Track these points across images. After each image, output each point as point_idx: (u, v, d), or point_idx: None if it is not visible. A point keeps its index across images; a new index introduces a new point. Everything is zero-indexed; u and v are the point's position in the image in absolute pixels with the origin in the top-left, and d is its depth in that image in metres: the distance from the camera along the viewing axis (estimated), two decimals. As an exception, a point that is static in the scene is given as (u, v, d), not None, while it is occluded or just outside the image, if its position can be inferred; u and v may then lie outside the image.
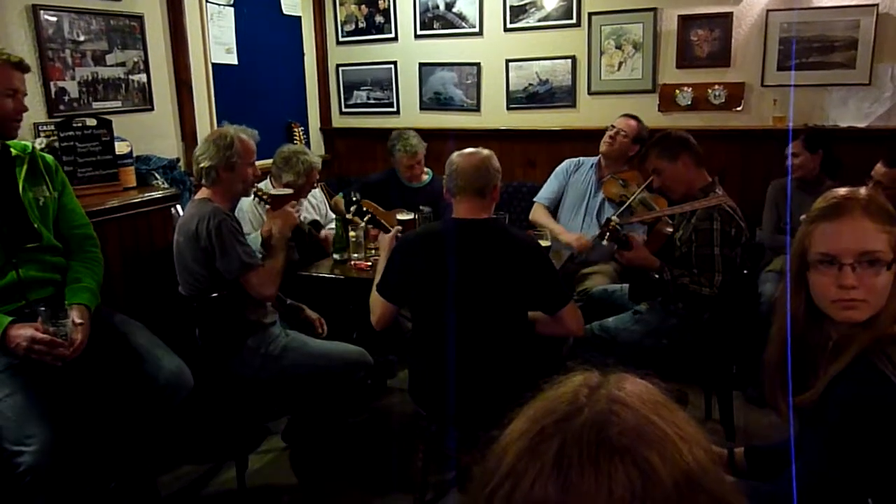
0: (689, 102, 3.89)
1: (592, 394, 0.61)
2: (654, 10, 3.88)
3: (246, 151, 2.49)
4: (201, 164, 2.46)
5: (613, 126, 3.53)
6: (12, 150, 2.18)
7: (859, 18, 3.51)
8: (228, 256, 2.37)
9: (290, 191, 2.74)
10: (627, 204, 3.24)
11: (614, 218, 2.65)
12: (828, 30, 3.58)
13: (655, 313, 2.67)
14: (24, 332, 1.96)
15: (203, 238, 2.36)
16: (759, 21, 3.70)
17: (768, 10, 3.66)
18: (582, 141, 3.94)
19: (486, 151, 2.21)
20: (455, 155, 2.21)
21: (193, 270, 2.43)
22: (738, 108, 3.82)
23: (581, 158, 3.68)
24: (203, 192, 2.51)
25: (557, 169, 3.70)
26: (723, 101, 3.82)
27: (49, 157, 2.31)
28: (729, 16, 3.74)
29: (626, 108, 3.97)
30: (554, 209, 3.62)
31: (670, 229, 2.72)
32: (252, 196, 2.66)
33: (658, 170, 2.66)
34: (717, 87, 3.82)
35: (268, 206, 2.63)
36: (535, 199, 3.67)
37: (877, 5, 3.47)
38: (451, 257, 2.08)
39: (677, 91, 3.90)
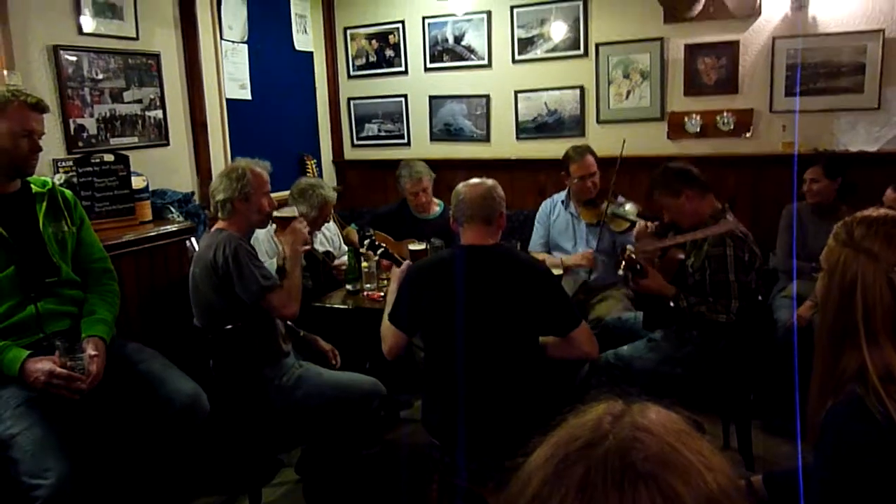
0: (698, 130, 3.91)
1: (616, 421, 0.62)
2: (660, 39, 3.93)
3: (259, 182, 2.53)
4: (217, 198, 2.51)
5: (592, 173, 3.47)
6: (33, 186, 2.22)
7: (866, 44, 3.53)
8: (246, 280, 2.39)
9: (293, 210, 2.77)
10: (603, 223, 3.37)
11: (629, 247, 2.66)
12: (834, 55, 3.60)
13: (670, 341, 2.65)
14: (42, 367, 1.98)
15: (220, 265, 2.39)
16: (765, 48, 3.73)
17: (774, 38, 3.70)
18: (592, 169, 3.95)
19: (490, 181, 2.26)
20: (461, 185, 2.26)
21: (211, 300, 2.45)
22: (747, 135, 3.83)
23: (553, 197, 3.71)
24: (219, 224, 2.55)
25: (538, 215, 3.73)
26: (731, 127, 3.84)
27: (68, 193, 2.35)
28: (735, 44, 3.78)
29: (635, 135, 4.01)
30: (548, 251, 3.64)
31: (681, 256, 2.72)
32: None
33: (664, 206, 2.69)
34: (725, 113, 3.84)
35: (276, 230, 2.70)
36: (529, 249, 3.68)
37: (883, 30, 3.49)
38: (460, 283, 2.09)
39: (686, 118, 3.93)
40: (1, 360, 2.00)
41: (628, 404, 0.65)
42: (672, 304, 2.52)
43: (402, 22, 4.56)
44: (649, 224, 3.00)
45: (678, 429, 0.62)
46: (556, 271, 2.91)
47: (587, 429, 0.62)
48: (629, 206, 3.38)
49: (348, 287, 3.04)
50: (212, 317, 2.47)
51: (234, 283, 2.40)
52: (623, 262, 2.57)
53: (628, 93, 4.06)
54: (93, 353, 2.11)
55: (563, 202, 3.64)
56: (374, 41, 4.70)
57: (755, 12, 3.71)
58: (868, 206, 1.42)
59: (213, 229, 2.56)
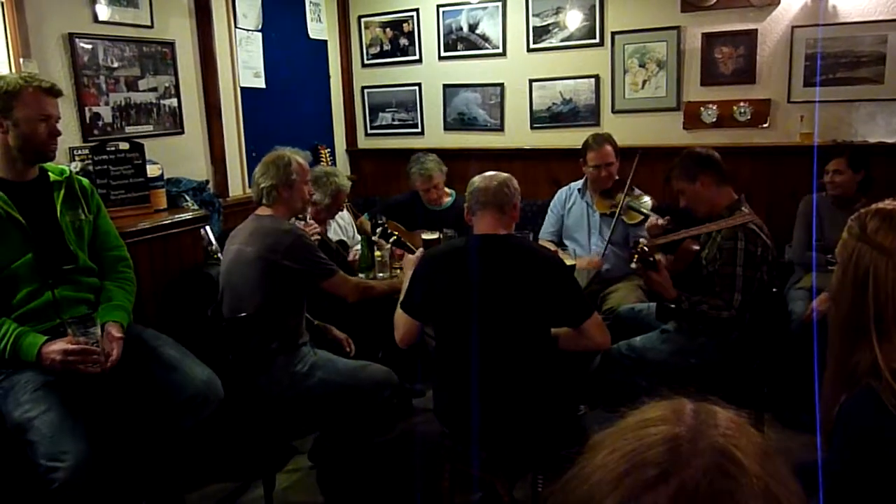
0: (715, 120, 3.87)
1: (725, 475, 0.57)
2: (677, 28, 3.88)
3: (302, 171, 2.61)
4: (262, 185, 2.55)
5: (609, 163, 3.45)
6: (51, 174, 2.24)
7: (887, 33, 3.47)
8: (313, 265, 2.50)
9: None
10: (617, 215, 3.35)
11: (642, 240, 2.64)
12: (854, 45, 3.55)
13: (683, 332, 2.63)
14: (56, 347, 2.01)
15: (283, 248, 2.44)
16: (784, 37, 3.68)
17: (793, 27, 3.64)
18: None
19: (504, 174, 2.29)
20: (476, 178, 2.30)
21: (253, 280, 2.47)
22: (765, 125, 3.79)
23: (570, 185, 3.70)
24: (263, 210, 2.58)
25: (552, 203, 3.72)
26: (748, 117, 3.80)
27: (85, 181, 2.37)
28: (753, 33, 3.73)
29: (651, 126, 3.98)
30: (559, 240, 3.65)
31: (696, 247, 2.71)
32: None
33: (681, 190, 2.67)
34: (742, 104, 3.80)
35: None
36: (539, 237, 3.68)
37: (904, 20, 3.44)
38: (473, 272, 2.10)
39: (702, 108, 3.89)
40: (19, 345, 2.02)
41: (702, 429, 0.59)
42: (672, 306, 2.52)
43: (417, 10, 4.54)
44: (661, 220, 3.00)
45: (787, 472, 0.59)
46: (569, 262, 2.90)
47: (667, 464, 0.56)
48: (645, 199, 3.36)
49: (361, 276, 3.04)
50: (241, 299, 2.49)
51: (293, 265, 2.45)
52: (636, 255, 2.56)
53: (644, 82, 4.03)
54: (117, 334, 2.14)
55: (579, 190, 3.63)
56: (388, 29, 4.68)
57: (774, 1, 3.66)
58: (887, 198, 1.39)
59: (260, 213, 2.59)
